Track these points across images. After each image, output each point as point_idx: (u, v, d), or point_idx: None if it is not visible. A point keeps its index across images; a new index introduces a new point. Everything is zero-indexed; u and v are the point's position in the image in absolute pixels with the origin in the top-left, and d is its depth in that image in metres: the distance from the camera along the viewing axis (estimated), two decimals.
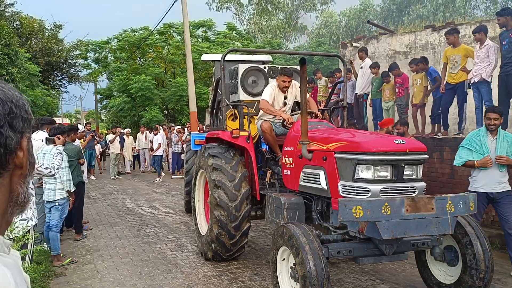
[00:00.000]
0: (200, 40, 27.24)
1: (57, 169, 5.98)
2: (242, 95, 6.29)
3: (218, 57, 9.06)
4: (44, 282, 5.45)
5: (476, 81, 7.39)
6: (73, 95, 70.10)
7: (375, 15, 32.08)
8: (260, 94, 6.12)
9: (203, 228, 6.32)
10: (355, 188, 3.95)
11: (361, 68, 10.43)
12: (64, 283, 5.52)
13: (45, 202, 6.40)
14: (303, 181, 4.74)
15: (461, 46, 8.04)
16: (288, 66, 6.43)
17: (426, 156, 4.10)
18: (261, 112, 5.89)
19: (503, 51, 7.00)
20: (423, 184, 4.12)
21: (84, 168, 8.75)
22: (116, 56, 27.58)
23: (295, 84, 5.98)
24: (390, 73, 9.47)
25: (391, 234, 3.48)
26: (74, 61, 26.44)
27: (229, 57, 9.14)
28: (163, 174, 16.69)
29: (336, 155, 4.18)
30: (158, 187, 14.35)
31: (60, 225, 6.48)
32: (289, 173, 5.13)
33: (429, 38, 11.23)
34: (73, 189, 6.50)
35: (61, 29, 24.96)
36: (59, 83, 26.79)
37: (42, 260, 6.17)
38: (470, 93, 7.91)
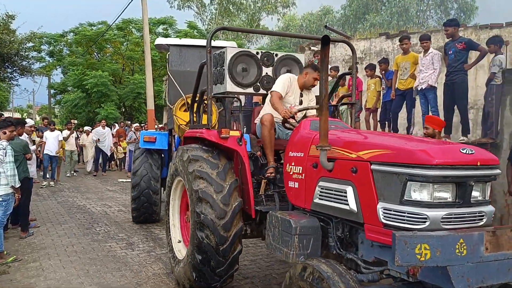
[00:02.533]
0: (160, 37, 26.87)
1: None
2: (230, 86, 5.20)
3: (173, 41, 8.69)
4: None
5: (423, 87, 7.73)
6: (24, 88, 67.10)
7: (334, 21, 32.80)
8: (251, 85, 5.30)
9: (180, 250, 5.19)
10: (406, 214, 2.90)
11: None
12: (7, 281, 5.33)
13: None
14: (319, 198, 3.70)
15: (410, 54, 8.40)
16: (287, 53, 5.63)
17: (499, 171, 3.16)
18: (263, 112, 5.01)
19: (449, 60, 7.37)
20: (492, 208, 3.14)
21: (33, 162, 8.51)
22: (72, 50, 26.77)
23: (310, 90, 5.14)
24: (345, 76, 9.72)
25: (467, 284, 2.60)
26: (26, 53, 25.31)
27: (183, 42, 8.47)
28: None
29: (373, 166, 3.14)
30: (112, 185, 14.06)
31: (4, 222, 6.26)
32: (296, 186, 4.06)
33: (383, 45, 11.63)
34: (18, 184, 6.29)
35: (13, 19, 23.88)
36: (10, 75, 25.64)
37: None
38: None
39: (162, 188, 8.34)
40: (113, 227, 8.15)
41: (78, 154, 17.27)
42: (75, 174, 16.67)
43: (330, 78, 10.09)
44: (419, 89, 7.88)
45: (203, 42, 8.03)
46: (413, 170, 2.87)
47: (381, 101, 9.16)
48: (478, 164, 2.94)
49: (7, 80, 26.10)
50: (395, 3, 27.34)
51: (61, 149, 14.12)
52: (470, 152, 2.95)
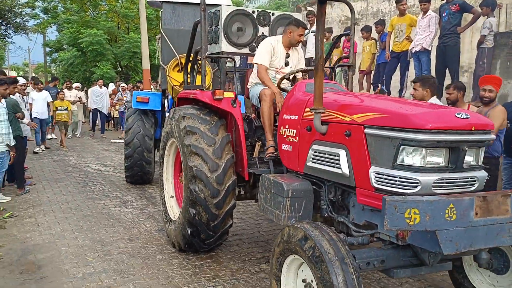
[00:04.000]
0: None
1: None
2: (225, 46, 5.07)
3: None
4: None
5: (417, 50, 7.71)
6: (19, 46, 66.21)
7: None
8: (246, 45, 5.16)
9: (174, 211, 5.22)
10: (397, 178, 2.89)
11: (313, 33, 10.54)
12: (3, 235, 5.52)
13: None
14: (312, 161, 3.68)
15: (406, 16, 8.31)
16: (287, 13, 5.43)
17: (493, 136, 3.12)
18: (254, 75, 4.94)
19: (442, 23, 7.33)
20: (484, 173, 3.12)
21: (27, 121, 8.58)
22: (67, 7, 26.29)
23: (297, 48, 5.04)
24: (340, 38, 9.66)
25: (455, 248, 2.62)
26: (20, 10, 24.96)
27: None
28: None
29: (366, 130, 3.11)
30: (108, 145, 14.19)
31: (0, 179, 6.40)
32: (289, 149, 4.04)
33: (380, 6, 11.42)
34: (13, 142, 6.39)
35: None
36: (4, 33, 25.35)
37: None
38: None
39: (156, 150, 8.33)
40: (108, 185, 8.31)
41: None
42: (78, 135, 16.34)
43: (325, 41, 10.03)
44: (413, 51, 7.87)
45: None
46: (406, 134, 2.85)
47: (375, 63, 9.15)
48: (473, 129, 2.90)
49: (1, 37, 25.80)
50: None
51: (55, 111, 13.03)
52: (465, 117, 2.91)
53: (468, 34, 8.83)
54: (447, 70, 7.49)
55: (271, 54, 4.73)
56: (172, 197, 5.38)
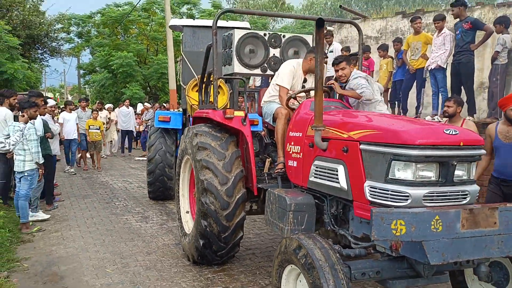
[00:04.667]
0: (184, 17, 27.16)
1: (13, 145, 6.46)
2: (237, 67, 5.29)
3: (187, 22, 8.70)
4: (11, 247, 5.80)
5: (433, 67, 7.79)
6: (55, 69, 69.06)
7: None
8: (258, 66, 5.38)
9: (189, 225, 5.43)
10: (389, 192, 3.03)
11: (332, 52, 10.74)
12: (31, 248, 5.87)
13: (16, 172, 6.70)
14: (314, 176, 3.85)
15: (422, 34, 8.44)
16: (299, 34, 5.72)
17: (483, 151, 3.24)
18: (270, 92, 5.08)
19: (456, 41, 7.40)
20: (476, 187, 3.21)
21: (56, 140, 9.06)
22: (99, 31, 27.43)
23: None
24: (357, 57, 9.81)
25: (441, 258, 2.68)
26: (56, 34, 26.20)
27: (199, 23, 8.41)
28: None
29: (362, 146, 3.28)
30: (134, 163, 14.65)
31: (29, 195, 6.79)
32: (295, 165, 4.23)
33: (399, 24, 11.56)
34: (41, 161, 6.80)
35: (43, 1, 24.67)
36: (41, 56, 26.58)
37: (12, 227, 6.53)
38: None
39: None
40: (131, 201, 8.65)
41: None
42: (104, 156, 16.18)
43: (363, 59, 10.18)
44: (429, 69, 7.95)
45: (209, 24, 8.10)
46: (397, 149, 2.99)
47: (392, 80, 9.25)
48: (461, 144, 3.01)
49: (38, 61, 27.06)
50: None
51: (88, 130, 12.88)
52: (453, 133, 3.03)
53: (488, 51, 8.87)
54: (462, 87, 7.52)
55: (293, 77, 4.91)
56: (187, 212, 5.62)
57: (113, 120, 16.15)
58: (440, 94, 7.85)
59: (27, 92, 11.22)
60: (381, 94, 5.32)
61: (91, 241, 6.15)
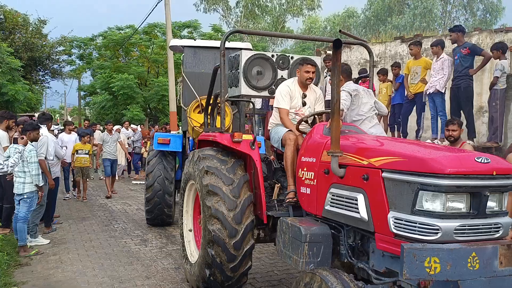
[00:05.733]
0: (175, 38, 27.45)
1: (11, 167, 6.45)
2: (244, 89, 5.15)
3: (188, 42, 8.50)
4: (8, 270, 5.73)
5: (431, 92, 7.86)
6: (55, 90, 69.43)
7: (358, 23, 32.82)
8: (266, 88, 5.26)
9: (194, 255, 5.18)
10: (417, 225, 2.80)
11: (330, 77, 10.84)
12: (28, 272, 5.79)
13: (15, 194, 6.67)
14: (330, 205, 3.62)
15: (421, 59, 8.54)
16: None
17: None
18: (275, 116, 4.93)
19: (455, 66, 7.49)
20: (509, 220, 3.00)
21: (57, 163, 9.00)
22: (101, 53, 27.73)
23: (315, 87, 5.07)
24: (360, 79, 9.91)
25: None
26: (57, 57, 26.45)
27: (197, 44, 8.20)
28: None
29: (384, 174, 3.06)
30: (134, 185, 14.60)
31: (28, 217, 6.73)
32: (308, 192, 3.99)
33: (398, 49, 11.73)
34: (41, 183, 6.77)
35: (45, 24, 24.96)
36: (42, 78, 26.79)
37: (10, 250, 6.46)
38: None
39: (176, 191, 8.45)
40: (130, 224, 8.59)
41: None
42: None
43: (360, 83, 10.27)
44: (427, 93, 8.02)
45: (217, 43, 8.06)
46: (425, 179, 2.77)
47: (390, 104, 9.32)
48: (494, 173, 2.81)
49: (39, 82, 27.25)
50: (418, 5, 27.20)
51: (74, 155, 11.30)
52: (485, 161, 2.83)
53: (486, 76, 8.97)
54: (461, 111, 7.57)
55: (289, 96, 4.77)
56: (190, 230, 5.43)
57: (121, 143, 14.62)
58: (439, 118, 7.90)
59: (26, 114, 11.15)
60: (377, 113, 5.19)
61: (89, 264, 6.08)
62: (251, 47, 8.31)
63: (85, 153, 11.33)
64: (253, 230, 4.48)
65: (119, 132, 14.86)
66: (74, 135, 11.71)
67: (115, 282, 5.40)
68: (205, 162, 4.57)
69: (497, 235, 2.90)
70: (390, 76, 9.74)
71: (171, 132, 12.47)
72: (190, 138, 8.08)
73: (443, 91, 7.74)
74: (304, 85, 4.85)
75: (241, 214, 4.32)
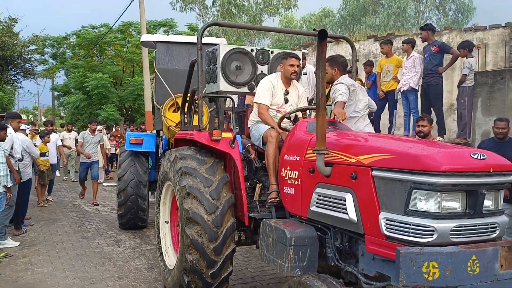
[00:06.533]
0: (146, 34, 27.17)
1: None
2: (223, 85, 4.87)
3: (160, 37, 8.13)
4: None
5: (405, 89, 7.99)
6: (28, 90, 67.76)
7: (334, 23, 33.13)
8: (245, 84, 4.98)
9: (171, 260, 4.90)
10: (411, 226, 2.64)
11: (305, 74, 10.89)
12: None
13: None
14: (316, 206, 3.44)
15: (393, 57, 8.67)
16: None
17: None
18: (255, 113, 4.76)
19: (425, 63, 7.64)
20: (505, 219, 2.88)
21: (29, 164, 8.79)
22: (75, 52, 27.23)
23: (297, 84, 4.87)
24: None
25: None
26: (29, 56, 25.85)
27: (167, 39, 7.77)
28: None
29: (374, 172, 2.89)
30: (107, 186, 14.38)
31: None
32: (292, 192, 3.81)
33: (371, 48, 11.89)
34: (10, 184, 6.61)
35: (16, 22, 24.33)
36: (14, 78, 26.13)
37: None
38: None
39: (150, 192, 8.26)
40: (104, 225, 8.46)
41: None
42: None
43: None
44: (401, 90, 8.15)
45: (191, 38, 7.76)
46: (419, 177, 2.61)
47: None
48: (491, 170, 2.67)
49: (11, 82, 26.60)
50: (392, 4, 27.67)
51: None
52: (482, 158, 2.68)
53: (456, 74, 9.16)
54: (431, 108, 7.72)
55: (271, 92, 4.57)
56: (167, 222, 5.17)
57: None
58: (411, 115, 8.04)
59: None
60: (369, 111, 4.95)
61: (60, 266, 5.96)
62: (226, 43, 7.89)
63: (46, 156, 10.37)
64: (234, 233, 4.24)
65: (100, 132, 13.43)
66: (55, 135, 11.32)
67: (86, 283, 5.32)
68: (182, 163, 4.33)
69: (494, 235, 2.78)
70: (363, 75, 9.86)
71: (147, 132, 12.18)
72: (164, 137, 7.94)
73: (416, 88, 7.88)
74: (287, 81, 4.67)
75: (221, 217, 4.09)
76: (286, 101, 4.68)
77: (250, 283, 5.34)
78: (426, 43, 7.78)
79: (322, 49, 3.05)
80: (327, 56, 3.56)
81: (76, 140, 13.14)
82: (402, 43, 8.14)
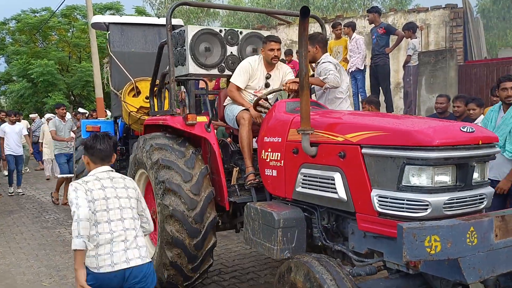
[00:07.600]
0: (97, 15, 26.37)
1: None
2: (193, 68, 4.77)
3: (113, 18, 7.71)
4: None
5: (353, 70, 8.37)
6: None
7: (283, 4, 33.26)
8: (215, 66, 4.89)
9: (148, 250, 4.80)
10: (405, 201, 2.68)
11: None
12: None
13: None
14: (302, 187, 3.43)
15: (342, 38, 9.02)
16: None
17: (499, 149, 3.01)
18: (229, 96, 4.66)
19: (372, 45, 8.04)
20: (491, 189, 2.97)
21: None
22: (15, 38, 25.94)
23: (282, 66, 4.72)
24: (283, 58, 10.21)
25: (478, 276, 2.40)
26: None
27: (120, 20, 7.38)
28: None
29: (364, 150, 2.90)
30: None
31: None
32: (274, 174, 3.76)
33: (320, 30, 12.21)
34: None
35: None
36: None
37: None
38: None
39: None
40: (63, 214, 8.39)
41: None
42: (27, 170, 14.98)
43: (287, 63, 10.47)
44: (349, 71, 8.52)
45: (145, 19, 7.51)
46: (411, 152, 2.64)
47: None
48: (480, 143, 2.73)
49: None
50: None
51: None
52: (470, 130, 2.74)
53: (402, 54, 9.66)
54: (380, 87, 8.15)
55: (249, 74, 4.49)
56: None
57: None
58: (359, 95, 8.45)
59: None
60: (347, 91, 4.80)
61: (23, 256, 5.94)
62: (182, 23, 7.74)
63: None
64: (215, 227, 4.17)
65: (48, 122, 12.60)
66: (19, 125, 10.63)
67: (52, 271, 5.35)
68: (160, 155, 4.17)
69: (482, 206, 2.87)
70: None
71: (99, 119, 11.78)
72: (120, 123, 7.83)
73: (362, 68, 8.27)
74: (269, 65, 4.55)
75: (202, 212, 4.01)
76: (267, 85, 4.59)
77: (231, 267, 5.40)
78: (373, 25, 8.17)
79: (304, 27, 3.01)
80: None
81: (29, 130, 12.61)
82: (343, 26, 8.50)
